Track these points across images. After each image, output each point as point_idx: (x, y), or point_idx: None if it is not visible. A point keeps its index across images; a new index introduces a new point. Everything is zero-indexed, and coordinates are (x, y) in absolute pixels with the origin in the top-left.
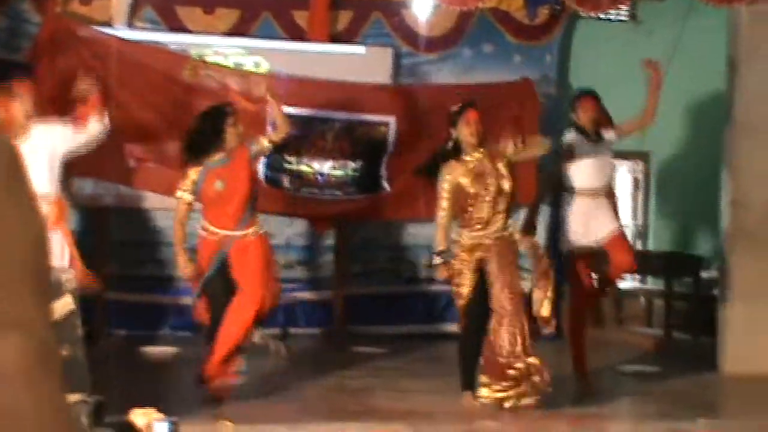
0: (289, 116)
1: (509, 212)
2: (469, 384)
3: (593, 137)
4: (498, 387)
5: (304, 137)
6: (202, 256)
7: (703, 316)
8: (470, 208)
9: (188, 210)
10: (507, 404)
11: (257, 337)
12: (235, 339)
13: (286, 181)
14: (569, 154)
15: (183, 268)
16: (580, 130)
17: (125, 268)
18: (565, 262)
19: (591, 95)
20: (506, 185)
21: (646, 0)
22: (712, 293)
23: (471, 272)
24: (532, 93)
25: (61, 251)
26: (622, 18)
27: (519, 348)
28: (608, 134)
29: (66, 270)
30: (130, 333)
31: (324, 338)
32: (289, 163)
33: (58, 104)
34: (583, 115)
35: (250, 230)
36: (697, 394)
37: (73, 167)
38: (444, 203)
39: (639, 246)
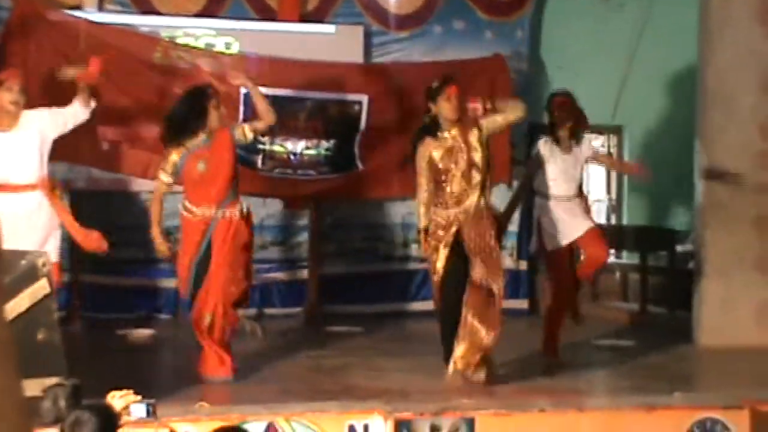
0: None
1: (485, 186)
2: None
3: (567, 143)
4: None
5: (277, 117)
6: (190, 239)
7: (678, 290)
8: (444, 184)
9: (166, 191)
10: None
11: (246, 324)
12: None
13: (259, 162)
14: (538, 163)
15: (159, 245)
16: (555, 134)
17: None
18: (548, 262)
19: (566, 95)
20: (477, 157)
21: None
22: (687, 267)
23: (446, 247)
24: (504, 69)
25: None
26: None
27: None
28: (585, 144)
29: (41, 254)
30: (105, 316)
31: (300, 318)
32: (262, 143)
33: (30, 89)
34: (559, 114)
35: (234, 210)
36: (673, 368)
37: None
38: (422, 180)
39: (613, 220)
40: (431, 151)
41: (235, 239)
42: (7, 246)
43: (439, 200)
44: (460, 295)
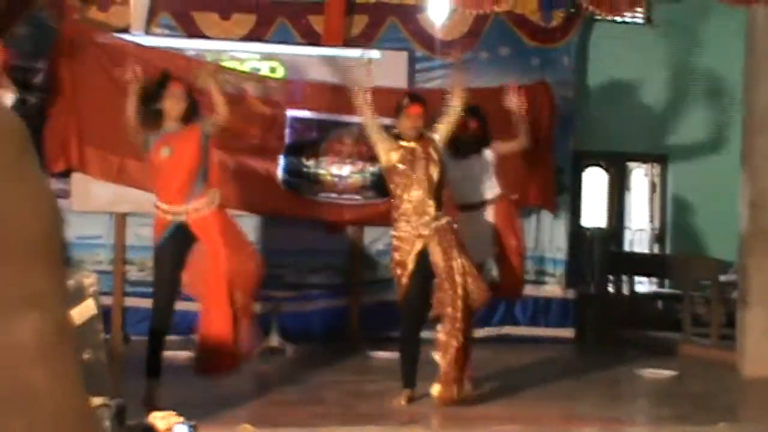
0: (308, 120)
1: (440, 202)
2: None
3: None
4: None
5: (322, 141)
6: (156, 230)
7: (722, 320)
8: (399, 192)
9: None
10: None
11: (275, 341)
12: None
13: (304, 186)
14: None
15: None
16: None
17: (142, 274)
18: None
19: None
20: (435, 172)
21: (661, 1)
22: (731, 296)
23: (413, 263)
24: (549, 95)
25: None
26: (638, 20)
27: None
28: (487, 152)
29: (88, 274)
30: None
31: (342, 343)
32: (307, 167)
33: (80, 111)
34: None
35: (202, 202)
36: (717, 398)
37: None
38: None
39: (656, 250)
40: (392, 150)
41: (217, 233)
42: None
43: (398, 213)
44: (423, 317)
